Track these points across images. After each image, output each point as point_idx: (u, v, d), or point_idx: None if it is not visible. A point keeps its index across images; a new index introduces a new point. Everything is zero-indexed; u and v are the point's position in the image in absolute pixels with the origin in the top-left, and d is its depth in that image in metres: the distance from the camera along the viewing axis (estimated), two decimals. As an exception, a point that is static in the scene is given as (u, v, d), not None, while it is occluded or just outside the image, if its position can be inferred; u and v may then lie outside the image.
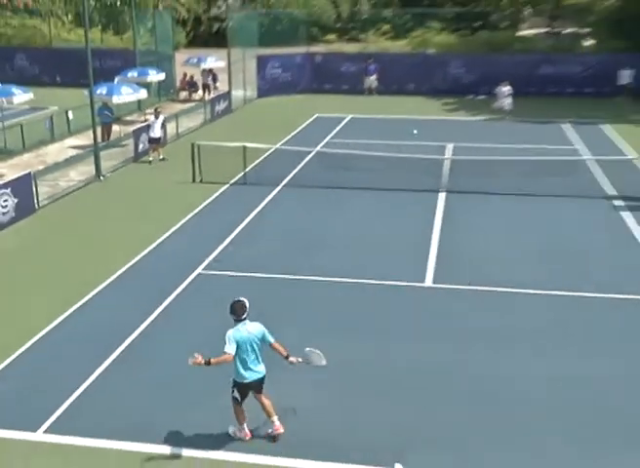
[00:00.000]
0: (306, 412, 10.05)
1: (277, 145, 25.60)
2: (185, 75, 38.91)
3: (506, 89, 32.67)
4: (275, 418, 9.50)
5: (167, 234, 17.40)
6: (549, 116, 32.33)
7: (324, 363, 9.68)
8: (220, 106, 33.49)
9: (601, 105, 34.93)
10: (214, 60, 38.31)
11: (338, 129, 30.29)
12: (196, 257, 15.78)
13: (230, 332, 9.07)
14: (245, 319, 9.18)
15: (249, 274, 15.02)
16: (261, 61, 39.10)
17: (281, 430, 9.49)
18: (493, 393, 10.71)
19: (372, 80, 38.87)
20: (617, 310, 13.49)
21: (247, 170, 22.13)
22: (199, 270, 15.17)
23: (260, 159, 24.19)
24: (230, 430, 9.62)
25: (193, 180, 21.77)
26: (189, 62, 38.78)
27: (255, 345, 9.18)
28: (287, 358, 9.48)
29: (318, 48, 44.57)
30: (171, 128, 28.09)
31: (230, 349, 8.99)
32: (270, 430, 9.52)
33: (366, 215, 18.92)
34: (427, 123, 31.55)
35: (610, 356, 11.78)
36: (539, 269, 15.36)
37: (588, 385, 10.88)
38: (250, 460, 9.17)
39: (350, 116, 32.93)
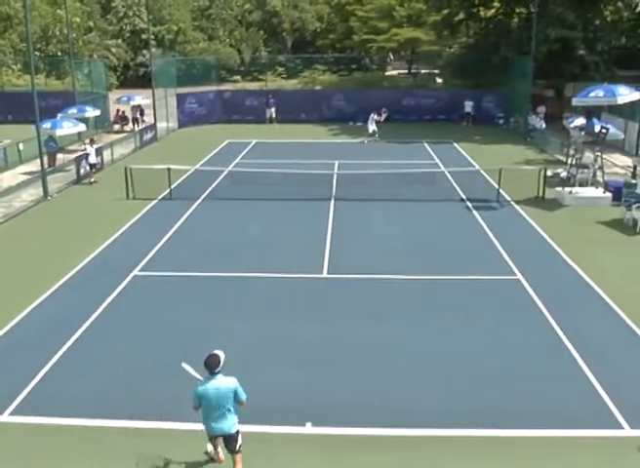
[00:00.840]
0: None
1: (196, 166, 25.06)
2: (118, 111, 37.76)
3: (375, 116, 32.86)
4: None
5: (107, 243, 16.65)
6: (413, 137, 32.87)
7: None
8: (148, 136, 32.55)
9: (451, 129, 35.82)
10: (141, 98, 37.39)
11: (245, 151, 29.88)
12: (132, 261, 15.16)
13: (197, 388, 7.49)
14: (218, 373, 7.47)
15: (178, 273, 14.55)
16: (180, 98, 38.30)
17: None
18: (378, 358, 10.72)
19: (271, 111, 38.69)
20: (475, 288, 13.74)
21: (172, 187, 21.50)
22: (135, 272, 14.58)
23: (183, 178, 23.58)
24: (208, 448, 8.20)
25: (127, 198, 21.00)
26: (121, 100, 37.75)
27: (222, 401, 7.46)
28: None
29: (227, 86, 44.02)
30: (107, 155, 27.09)
31: (194, 404, 7.56)
32: None
33: (272, 222, 18.66)
34: (317, 145, 31.62)
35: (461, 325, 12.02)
36: (409, 259, 15.47)
37: (444, 343, 11.06)
38: (193, 428, 8.85)
39: (255, 141, 32.58)
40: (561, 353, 10.89)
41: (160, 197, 21.16)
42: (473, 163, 26.54)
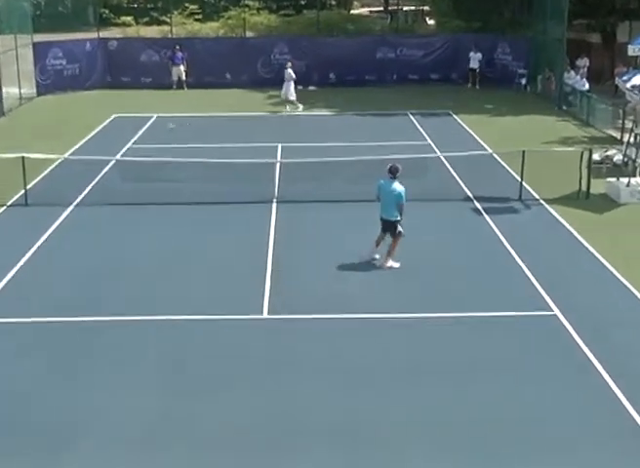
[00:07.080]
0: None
1: (66, 155, 24.88)
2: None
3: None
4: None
5: None
6: (393, 107, 33.13)
7: None
8: (-13, 108, 32.20)
9: (449, 93, 36.29)
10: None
11: (142, 132, 29.73)
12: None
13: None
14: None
15: (39, 319, 14.26)
16: (40, 50, 37.72)
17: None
18: (349, 444, 10.63)
19: (180, 70, 38.52)
20: (490, 329, 13.82)
21: (28, 187, 21.17)
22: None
23: (46, 173, 23.33)
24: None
25: (-48, 203, 20.65)
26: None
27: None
28: None
29: (112, 32, 43.81)
30: None
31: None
32: None
33: (185, 236, 18.46)
34: (250, 120, 31.75)
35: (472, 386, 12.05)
36: (389, 287, 15.57)
37: (452, 415, 11.05)
38: None
39: (156, 115, 32.42)
40: (623, 423, 10.97)
41: (10, 202, 20.88)
42: (483, 144, 26.86)
